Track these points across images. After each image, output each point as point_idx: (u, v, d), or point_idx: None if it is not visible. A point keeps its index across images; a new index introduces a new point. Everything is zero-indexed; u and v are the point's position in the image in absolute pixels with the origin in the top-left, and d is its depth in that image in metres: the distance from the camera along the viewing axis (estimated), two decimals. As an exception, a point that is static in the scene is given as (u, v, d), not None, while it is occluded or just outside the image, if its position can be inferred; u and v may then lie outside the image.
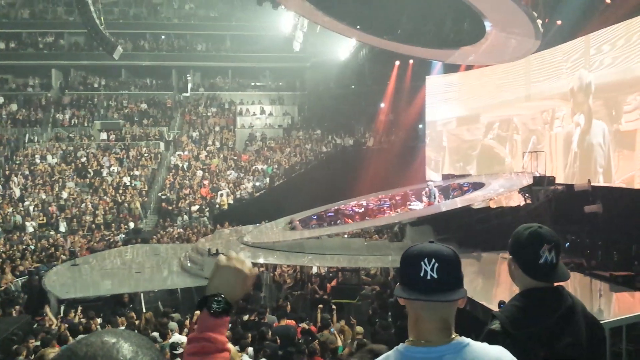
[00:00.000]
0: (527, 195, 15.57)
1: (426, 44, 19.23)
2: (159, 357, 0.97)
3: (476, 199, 15.43)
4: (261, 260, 14.57)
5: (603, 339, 2.50)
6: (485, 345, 1.79)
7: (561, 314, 2.23)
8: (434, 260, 1.76)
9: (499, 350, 1.78)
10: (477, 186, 16.67)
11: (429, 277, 1.75)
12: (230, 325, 8.97)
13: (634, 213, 13.05)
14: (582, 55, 16.44)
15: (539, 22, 14.94)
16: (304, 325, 9.20)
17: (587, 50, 16.23)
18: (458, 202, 15.69)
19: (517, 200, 16.57)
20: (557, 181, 15.66)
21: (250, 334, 7.95)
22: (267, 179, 27.73)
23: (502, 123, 21.09)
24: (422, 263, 1.76)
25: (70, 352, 0.93)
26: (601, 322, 2.83)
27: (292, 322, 9.31)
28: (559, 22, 16.82)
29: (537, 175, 15.56)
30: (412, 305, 1.79)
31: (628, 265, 11.63)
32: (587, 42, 16.17)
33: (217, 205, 25.91)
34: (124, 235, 22.51)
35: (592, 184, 14.86)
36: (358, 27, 19.34)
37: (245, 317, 10.07)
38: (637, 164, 14.23)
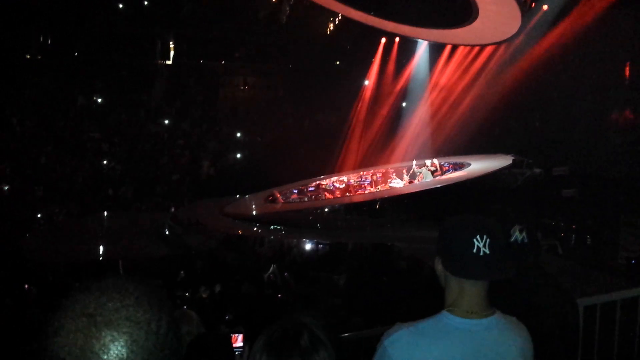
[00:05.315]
0: (506, 176, 15.79)
1: (413, 22, 19.19)
2: (165, 300, 1.01)
3: (456, 179, 15.61)
4: (240, 232, 14.64)
5: (576, 316, 2.60)
6: (512, 317, 1.82)
7: (530, 289, 2.30)
8: (486, 236, 1.72)
9: (522, 324, 1.84)
10: (458, 166, 16.84)
11: (481, 254, 1.71)
12: (208, 293, 9.06)
13: (607, 199, 13.36)
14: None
15: (525, 5, 14.99)
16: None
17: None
18: (438, 182, 15.86)
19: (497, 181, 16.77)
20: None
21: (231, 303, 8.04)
22: (249, 152, 27.63)
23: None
24: (474, 240, 1.71)
25: (84, 288, 0.99)
26: (575, 300, 2.94)
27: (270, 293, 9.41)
28: (545, 7, 16.89)
29: (517, 158, 15.78)
30: (456, 279, 1.77)
31: (600, 249, 11.93)
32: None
33: (198, 176, 25.79)
34: (102, 202, 22.31)
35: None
36: (345, 1, 19.19)
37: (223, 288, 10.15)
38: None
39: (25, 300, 8.52)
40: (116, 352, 0.93)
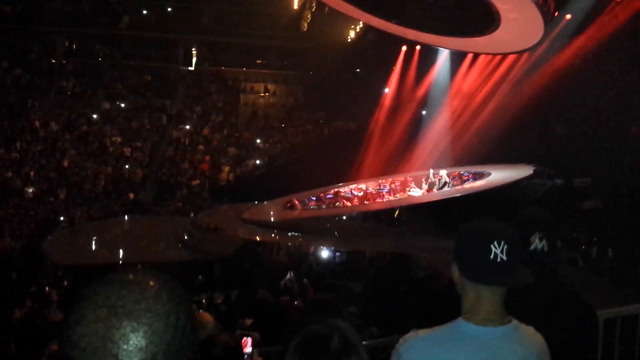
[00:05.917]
0: (527, 187, 15.63)
1: (434, 30, 19.14)
2: (183, 295, 1.03)
3: (475, 189, 15.49)
4: (258, 238, 14.69)
5: (596, 329, 2.56)
6: (529, 327, 1.80)
7: (549, 299, 2.28)
8: (503, 242, 1.70)
9: (539, 335, 1.81)
10: (478, 176, 16.71)
11: (499, 260, 1.69)
12: (223, 299, 9.10)
13: (629, 211, 13.16)
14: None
15: (548, 14, 14.87)
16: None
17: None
18: (457, 191, 15.76)
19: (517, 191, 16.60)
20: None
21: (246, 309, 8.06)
22: (268, 158, 27.75)
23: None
24: (492, 246, 1.70)
25: (105, 281, 1.00)
26: (595, 312, 2.90)
27: (286, 299, 9.40)
28: (567, 16, 16.74)
29: (538, 168, 15.63)
30: (473, 286, 1.75)
31: (622, 262, 11.74)
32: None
33: (217, 181, 25.96)
34: (123, 206, 22.57)
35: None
36: (366, 9, 19.21)
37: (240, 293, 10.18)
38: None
39: (45, 301, 8.63)
40: (136, 342, 0.95)
